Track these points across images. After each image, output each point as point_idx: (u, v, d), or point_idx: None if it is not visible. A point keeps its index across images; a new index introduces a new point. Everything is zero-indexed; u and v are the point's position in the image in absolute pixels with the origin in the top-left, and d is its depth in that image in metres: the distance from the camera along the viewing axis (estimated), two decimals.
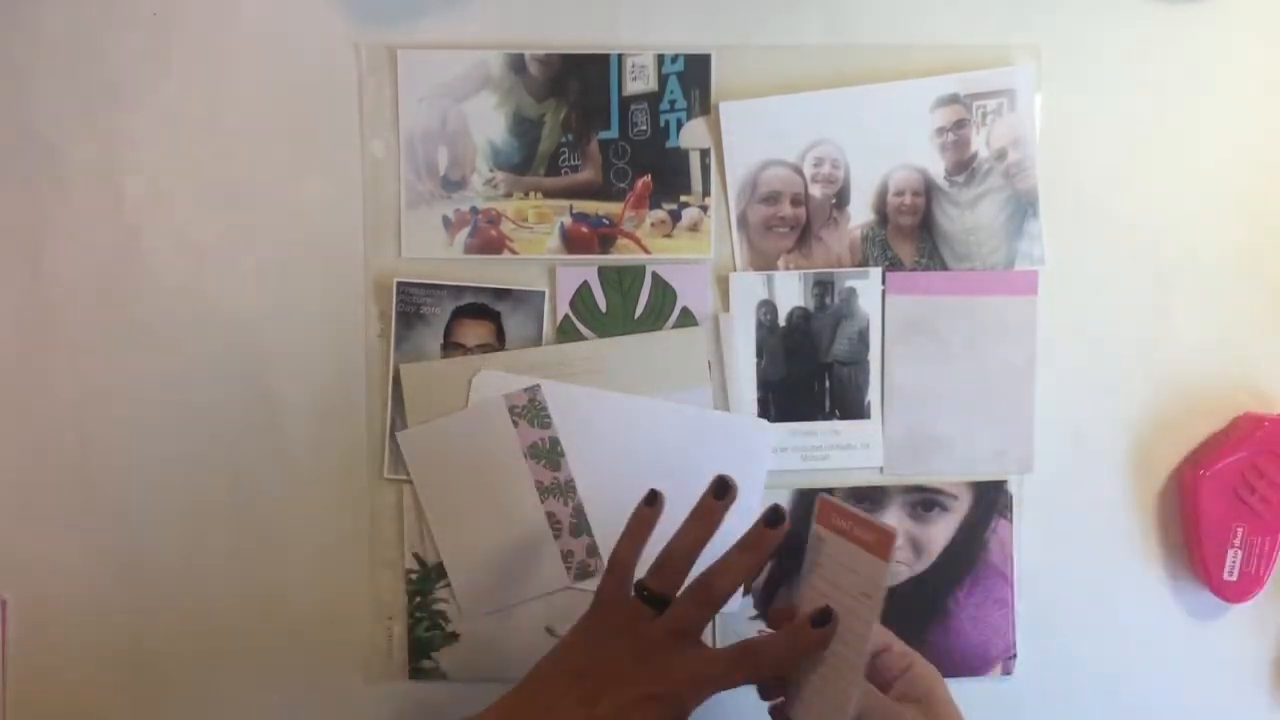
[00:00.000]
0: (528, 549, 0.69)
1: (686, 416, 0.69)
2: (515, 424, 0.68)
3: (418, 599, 0.69)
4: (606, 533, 0.69)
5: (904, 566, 0.70)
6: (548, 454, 0.69)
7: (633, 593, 0.57)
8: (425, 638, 0.69)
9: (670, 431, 0.69)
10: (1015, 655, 0.71)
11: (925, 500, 0.70)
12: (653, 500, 0.60)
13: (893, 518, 0.70)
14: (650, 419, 0.68)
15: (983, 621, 0.71)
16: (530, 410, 0.68)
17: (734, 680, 0.56)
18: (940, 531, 0.70)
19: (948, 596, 0.70)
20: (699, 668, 0.56)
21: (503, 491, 0.68)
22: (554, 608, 0.69)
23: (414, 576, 0.69)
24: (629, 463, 0.68)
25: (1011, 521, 0.70)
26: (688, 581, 0.57)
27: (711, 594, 0.57)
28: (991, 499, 0.70)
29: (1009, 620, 0.71)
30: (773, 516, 0.57)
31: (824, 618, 0.55)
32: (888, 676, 0.59)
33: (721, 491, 0.58)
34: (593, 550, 0.69)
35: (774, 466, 0.69)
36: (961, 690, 0.70)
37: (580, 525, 0.69)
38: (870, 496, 0.70)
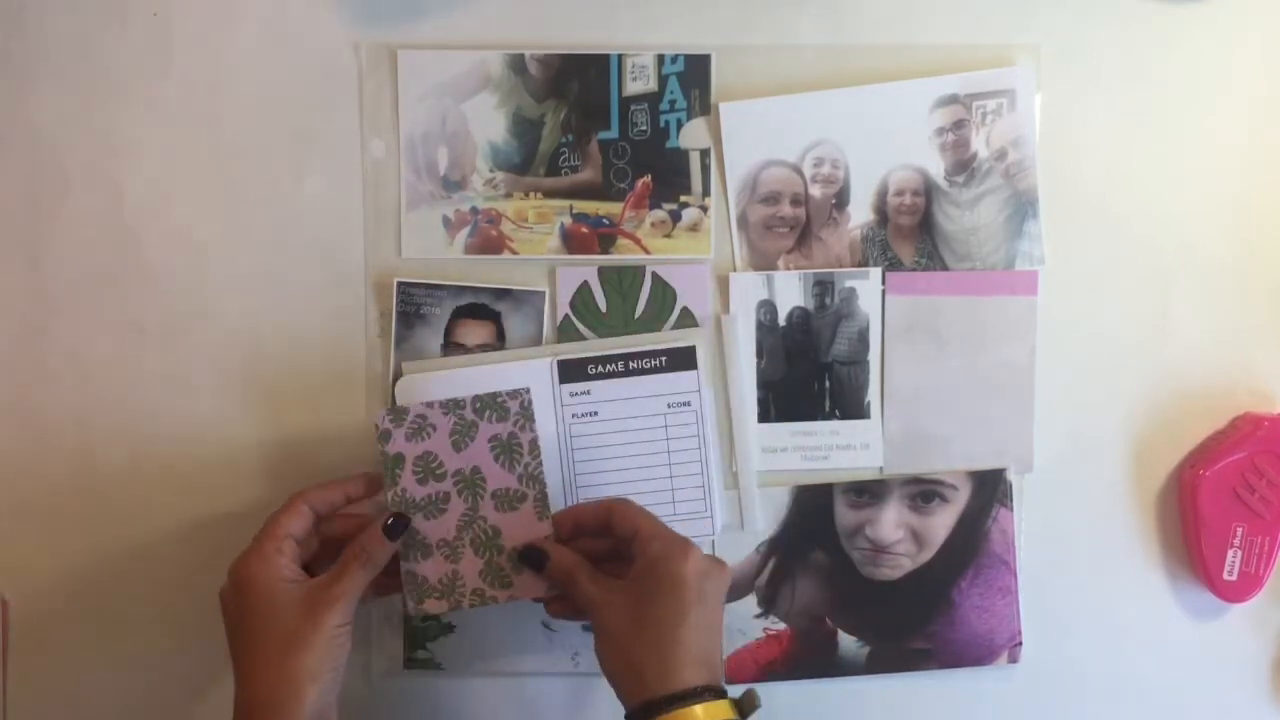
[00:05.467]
0: None
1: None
2: None
3: None
4: None
5: (906, 559, 0.70)
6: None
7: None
8: (420, 628, 0.69)
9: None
10: (1021, 643, 0.71)
11: (925, 491, 0.70)
12: (394, 533, 0.62)
13: (893, 510, 0.70)
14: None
15: (987, 610, 0.70)
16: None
17: (351, 574, 0.60)
18: (941, 522, 0.70)
19: (951, 587, 0.70)
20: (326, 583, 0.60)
21: None
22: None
23: None
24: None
25: (1012, 509, 0.70)
26: None
27: (368, 554, 0.61)
28: (991, 487, 0.70)
29: (1013, 608, 0.70)
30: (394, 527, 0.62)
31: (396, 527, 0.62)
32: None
33: (398, 532, 0.62)
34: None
35: (774, 466, 0.69)
36: (969, 680, 0.71)
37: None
38: (869, 489, 0.70)
